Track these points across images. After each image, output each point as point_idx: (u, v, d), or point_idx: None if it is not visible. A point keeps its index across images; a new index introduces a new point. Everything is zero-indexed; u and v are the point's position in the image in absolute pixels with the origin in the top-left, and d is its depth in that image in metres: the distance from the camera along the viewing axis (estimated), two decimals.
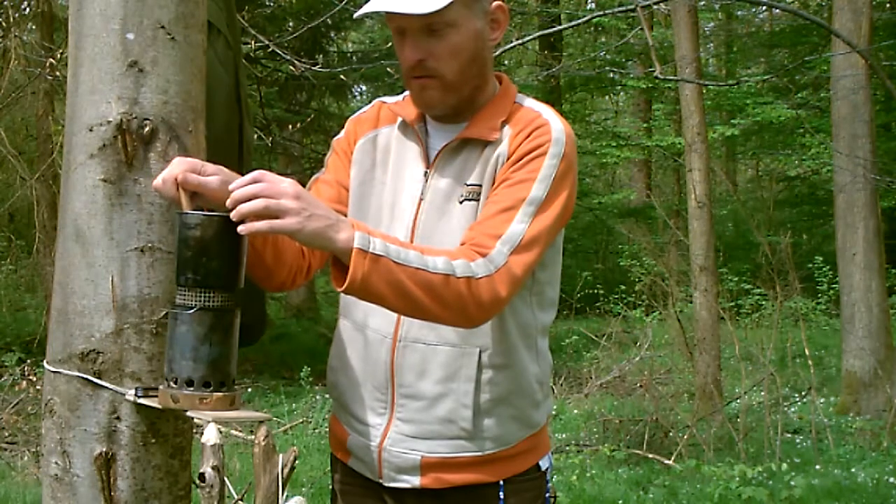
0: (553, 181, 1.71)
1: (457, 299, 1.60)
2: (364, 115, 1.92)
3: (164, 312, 1.68)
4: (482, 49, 1.77)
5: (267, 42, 6.53)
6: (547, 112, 1.79)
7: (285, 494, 2.50)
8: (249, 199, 1.50)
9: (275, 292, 2.00)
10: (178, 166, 1.58)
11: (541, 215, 1.70)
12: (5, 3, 9.99)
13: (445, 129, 1.82)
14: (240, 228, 1.51)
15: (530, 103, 1.82)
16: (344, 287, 1.55)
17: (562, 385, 9.18)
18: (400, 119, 1.86)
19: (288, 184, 1.53)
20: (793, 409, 8.31)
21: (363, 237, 1.55)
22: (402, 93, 1.93)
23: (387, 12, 1.70)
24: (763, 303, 11.49)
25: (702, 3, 11.26)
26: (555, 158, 1.72)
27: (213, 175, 1.60)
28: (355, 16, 1.78)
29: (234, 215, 1.50)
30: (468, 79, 1.77)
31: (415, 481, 1.80)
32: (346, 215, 1.80)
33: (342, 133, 1.93)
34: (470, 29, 1.74)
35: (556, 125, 1.75)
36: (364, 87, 13.22)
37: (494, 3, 1.78)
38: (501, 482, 1.80)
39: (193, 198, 1.60)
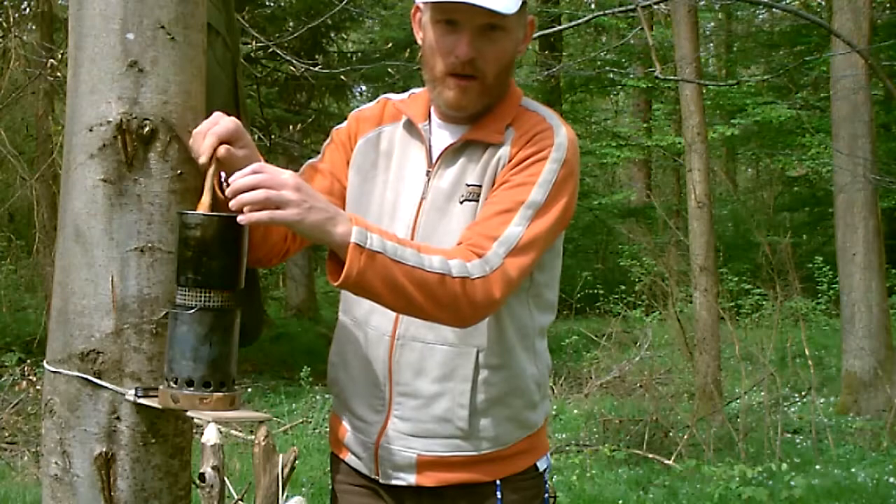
0: (553, 186, 1.71)
1: (451, 299, 1.60)
2: (368, 113, 1.92)
3: (164, 312, 1.68)
4: (514, 58, 1.80)
5: (267, 42, 6.54)
6: (551, 117, 1.79)
7: (285, 494, 2.50)
8: (250, 190, 1.51)
9: (251, 266, 2.05)
10: (222, 128, 1.64)
11: (539, 219, 1.70)
12: (5, 3, 10.00)
13: (450, 129, 1.82)
14: (240, 218, 1.52)
15: (535, 107, 1.83)
16: (339, 282, 1.56)
17: (562, 385, 9.17)
18: (405, 117, 1.86)
19: (288, 175, 1.54)
20: (793, 409, 8.31)
21: (361, 232, 1.55)
22: (402, 92, 1.93)
23: (457, 2, 1.67)
24: (763, 303, 11.48)
25: (702, 3, 11.26)
26: (556, 163, 1.72)
27: (244, 148, 1.67)
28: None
29: (234, 205, 1.52)
30: (500, 84, 1.79)
31: (411, 479, 1.80)
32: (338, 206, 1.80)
33: (343, 125, 1.93)
34: (515, 37, 1.77)
35: (559, 130, 1.76)
36: (364, 88, 13.21)
37: (530, 17, 1.82)
38: (498, 482, 1.81)
39: (220, 164, 1.65)
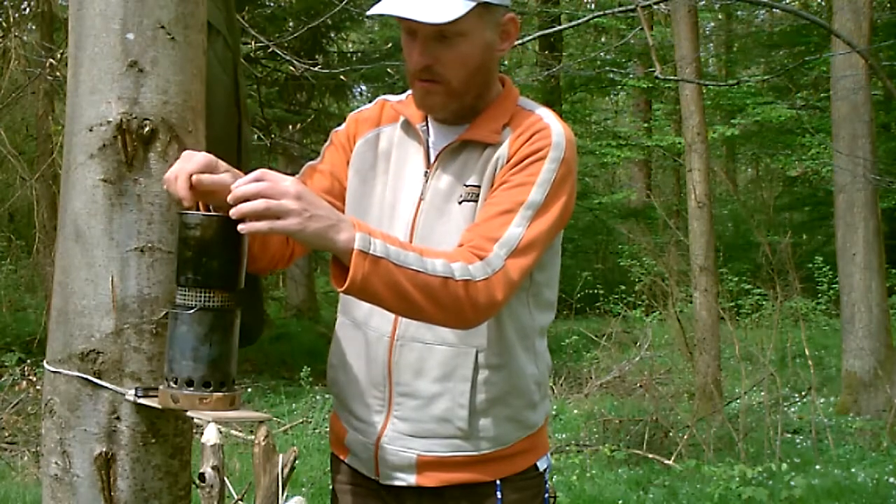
0: (552, 185, 1.71)
1: (453, 302, 1.60)
2: (366, 114, 1.92)
3: (164, 312, 1.68)
4: (489, 59, 1.78)
5: (267, 42, 6.53)
6: (548, 116, 1.79)
7: (285, 494, 2.50)
8: (251, 199, 1.50)
9: (253, 273, 2.08)
10: (193, 164, 1.58)
11: (539, 219, 1.70)
12: (5, 3, 10.00)
13: (447, 129, 1.82)
14: (240, 227, 1.51)
15: (532, 106, 1.83)
16: (344, 287, 1.55)
17: (562, 385, 9.18)
18: (402, 118, 1.87)
19: (289, 183, 1.52)
20: (793, 409, 8.31)
21: (364, 238, 1.55)
22: (403, 92, 1.93)
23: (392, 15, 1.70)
24: (763, 303, 11.48)
25: (702, 3, 11.26)
26: (554, 163, 1.72)
27: (226, 172, 1.61)
28: (367, 13, 1.78)
29: (234, 213, 1.50)
30: (472, 87, 1.77)
31: (411, 479, 1.81)
32: (337, 207, 1.80)
33: (342, 126, 1.93)
34: (480, 39, 1.74)
35: (557, 129, 1.75)
36: (364, 88, 13.21)
37: (507, 16, 1.78)
38: (498, 481, 1.81)
39: (205, 196, 1.60)
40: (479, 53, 1.75)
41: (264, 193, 1.50)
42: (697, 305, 8.10)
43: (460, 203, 1.76)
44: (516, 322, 1.79)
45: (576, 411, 8.25)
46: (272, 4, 12.02)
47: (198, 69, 1.75)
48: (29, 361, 8.47)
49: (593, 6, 17.57)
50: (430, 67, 1.73)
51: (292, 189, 1.51)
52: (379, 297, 1.58)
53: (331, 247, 1.54)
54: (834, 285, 10.89)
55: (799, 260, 11.42)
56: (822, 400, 8.32)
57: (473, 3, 1.69)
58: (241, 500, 3.42)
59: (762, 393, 7.71)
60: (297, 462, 2.66)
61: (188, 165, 1.58)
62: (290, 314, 14.17)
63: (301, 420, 7.83)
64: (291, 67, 7.11)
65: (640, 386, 8.72)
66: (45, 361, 1.74)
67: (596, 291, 12.73)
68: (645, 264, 13.05)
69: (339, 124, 1.96)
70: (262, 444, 2.59)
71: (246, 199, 1.50)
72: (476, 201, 1.75)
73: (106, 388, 1.67)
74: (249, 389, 9.33)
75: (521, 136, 1.75)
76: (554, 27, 9.58)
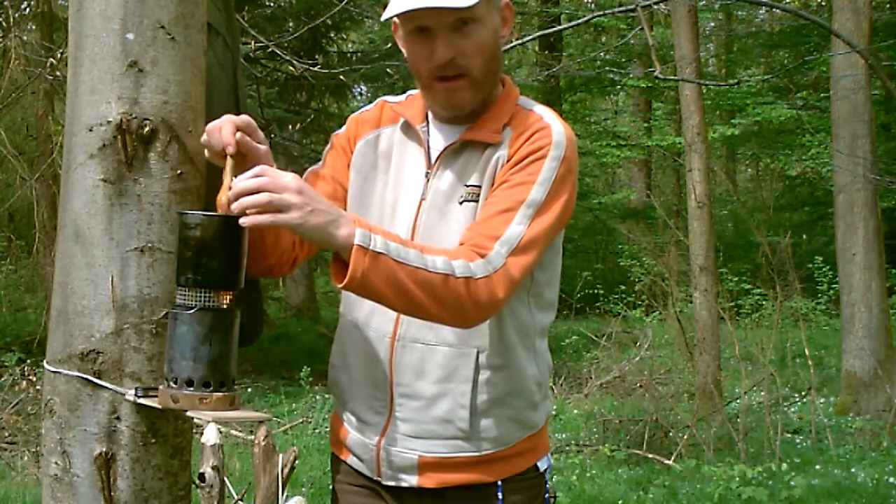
0: (552, 184, 1.71)
1: (455, 299, 1.60)
2: (366, 115, 1.92)
3: (164, 312, 1.68)
4: (498, 46, 1.79)
5: (267, 42, 6.53)
6: (548, 115, 1.79)
7: (285, 494, 2.50)
8: (252, 193, 1.51)
9: (257, 276, 2.09)
10: (238, 119, 1.66)
11: (539, 218, 1.70)
12: (5, 3, 10.00)
13: (448, 130, 1.82)
14: (242, 221, 1.52)
15: (532, 106, 1.83)
16: (343, 283, 1.56)
17: (562, 385, 9.18)
18: (402, 119, 1.86)
19: (290, 178, 1.54)
20: (793, 409, 8.31)
21: (364, 234, 1.55)
22: (403, 92, 1.93)
23: (415, 9, 1.68)
24: (763, 303, 11.49)
25: (702, 3, 11.26)
26: (555, 161, 1.72)
27: (262, 144, 1.70)
28: (383, 17, 1.77)
29: (236, 207, 1.52)
30: (489, 76, 1.78)
31: (412, 480, 1.80)
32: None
33: (343, 129, 1.93)
34: (490, 24, 1.76)
35: (557, 128, 1.75)
36: (364, 88, 13.22)
37: (503, 1, 1.79)
38: (499, 482, 1.81)
39: (236, 159, 1.65)
40: (492, 39, 1.76)
41: (266, 188, 1.51)
42: (697, 305, 8.10)
43: (461, 203, 1.76)
44: (517, 322, 1.79)
45: (576, 411, 8.25)
46: (272, 4, 12.03)
47: (198, 69, 1.75)
48: (29, 361, 8.47)
49: (593, 6, 17.57)
50: (454, 60, 1.72)
51: (293, 184, 1.53)
52: (379, 294, 1.59)
53: (331, 242, 1.55)
54: (834, 285, 10.89)
55: (799, 260, 11.43)
56: (822, 400, 8.32)
57: None
58: (241, 500, 3.42)
59: (762, 393, 7.71)
60: (297, 462, 2.66)
61: (235, 119, 1.65)
62: (290, 314, 14.17)
63: (301, 420, 7.83)
64: (291, 67, 7.12)
65: (640, 386, 8.73)
66: (45, 361, 1.74)
67: (596, 291, 12.73)
68: (645, 264, 13.05)
69: (340, 125, 1.96)
70: (262, 444, 2.59)
71: (248, 194, 1.51)
72: (477, 201, 1.75)
73: (106, 388, 1.67)
74: (249, 389, 9.33)
75: (521, 136, 1.75)
76: (554, 27, 9.60)
